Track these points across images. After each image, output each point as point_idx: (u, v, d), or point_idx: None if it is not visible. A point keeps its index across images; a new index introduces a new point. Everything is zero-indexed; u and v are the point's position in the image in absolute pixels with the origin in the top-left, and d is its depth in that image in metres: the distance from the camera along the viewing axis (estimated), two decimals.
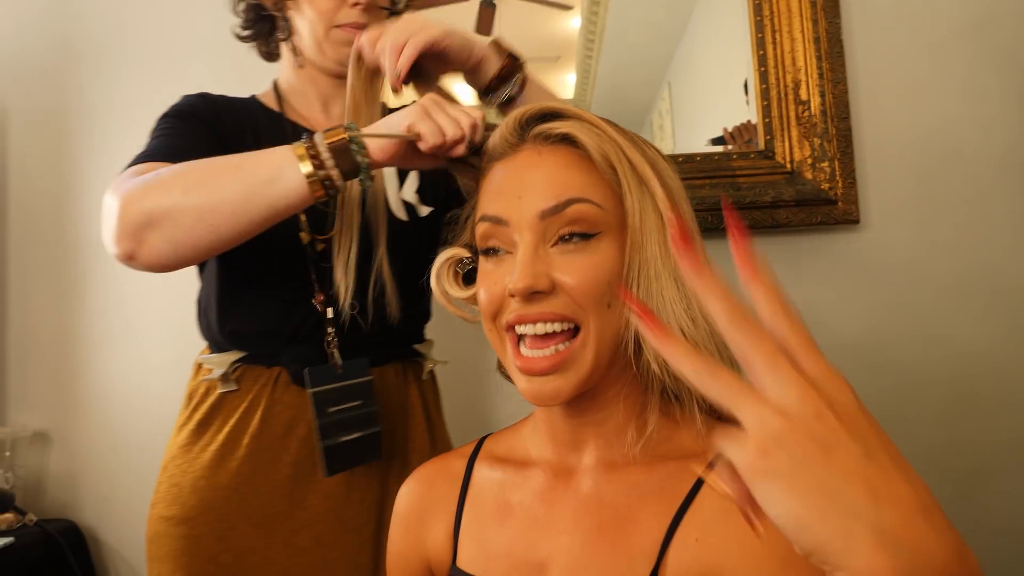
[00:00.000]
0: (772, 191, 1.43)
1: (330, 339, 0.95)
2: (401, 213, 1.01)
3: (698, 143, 1.50)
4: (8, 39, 1.55)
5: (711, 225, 1.42)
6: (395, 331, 1.00)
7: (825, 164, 1.43)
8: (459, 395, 1.14)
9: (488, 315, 0.65)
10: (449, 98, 0.86)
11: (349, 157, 0.79)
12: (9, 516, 1.33)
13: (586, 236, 0.61)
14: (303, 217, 0.96)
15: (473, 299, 0.71)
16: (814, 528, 0.33)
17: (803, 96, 1.45)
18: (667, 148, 1.52)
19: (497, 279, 0.63)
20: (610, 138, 0.63)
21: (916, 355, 1.44)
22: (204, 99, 1.02)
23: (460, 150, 0.78)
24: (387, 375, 1.02)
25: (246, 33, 1.09)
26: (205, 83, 1.45)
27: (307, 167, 0.78)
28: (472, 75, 0.91)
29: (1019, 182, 1.46)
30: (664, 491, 0.62)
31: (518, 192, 0.63)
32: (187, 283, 1.46)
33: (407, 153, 0.81)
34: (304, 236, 0.96)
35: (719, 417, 0.66)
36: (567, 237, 0.61)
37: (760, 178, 1.44)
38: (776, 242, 1.46)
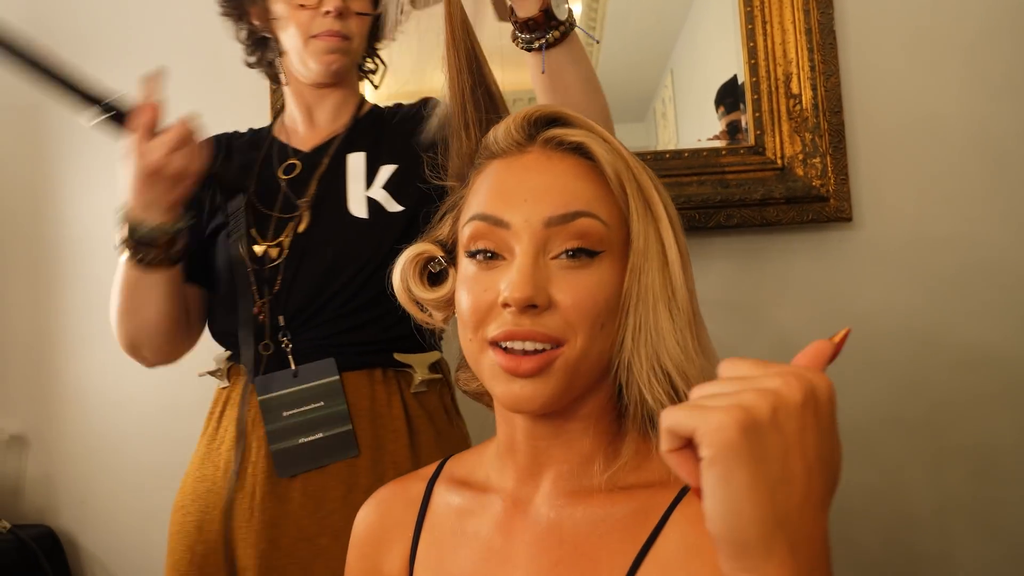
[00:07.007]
0: (762, 188, 1.39)
1: (284, 345, 0.95)
2: (361, 211, 0.98)
3: (702, 133, 1.46)
4: None
5: (698, 224, 1.39)
6: (357, 336, 0.97)
7: (817, 160, 1.39)
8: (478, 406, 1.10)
9: (471, 325, 0.60)
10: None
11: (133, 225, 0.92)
12: None
13: (591, 254, 0.58)
14: (252, 227, 1.00)
15: (440, 303, 0.67)
16: (746, 526, 0.37)
17: (794, 89, 1.41)
18: (670, 139, 1.47)
19: (488, 285, 0.59)
20: (621, 156, 0.61)
21: (911, 354, 1.40)
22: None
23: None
24: (359, 381, 0.98)
25: (252, 60, 1.14)
26: (186, 80, 1.42)
27: (124, 252, 0.95)
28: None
29: (1019, 178, 1.41)
30: (628, 527, 0.59)
31: (523, 195, 0.59)
32: None
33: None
34: (241, 244, 0.99)
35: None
36: (572, 253, 0.58)
37: (749, 175, 1.40)
38: (766, 240, 1.42)
